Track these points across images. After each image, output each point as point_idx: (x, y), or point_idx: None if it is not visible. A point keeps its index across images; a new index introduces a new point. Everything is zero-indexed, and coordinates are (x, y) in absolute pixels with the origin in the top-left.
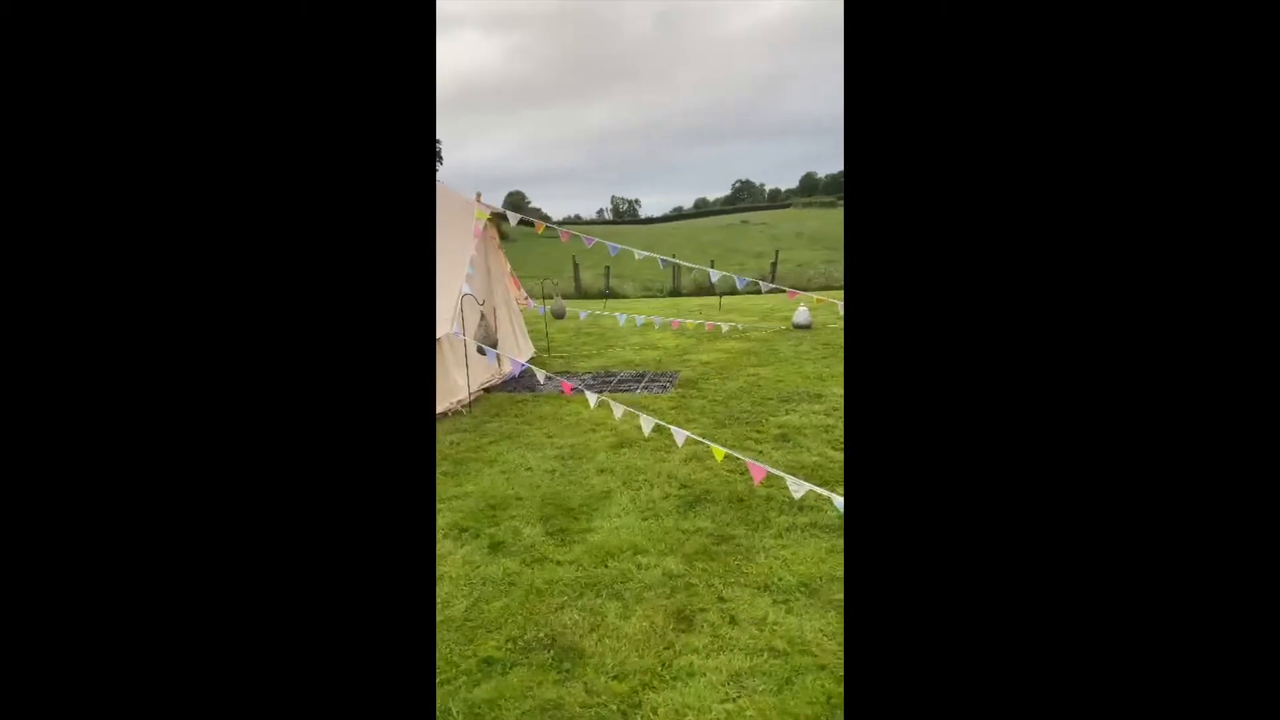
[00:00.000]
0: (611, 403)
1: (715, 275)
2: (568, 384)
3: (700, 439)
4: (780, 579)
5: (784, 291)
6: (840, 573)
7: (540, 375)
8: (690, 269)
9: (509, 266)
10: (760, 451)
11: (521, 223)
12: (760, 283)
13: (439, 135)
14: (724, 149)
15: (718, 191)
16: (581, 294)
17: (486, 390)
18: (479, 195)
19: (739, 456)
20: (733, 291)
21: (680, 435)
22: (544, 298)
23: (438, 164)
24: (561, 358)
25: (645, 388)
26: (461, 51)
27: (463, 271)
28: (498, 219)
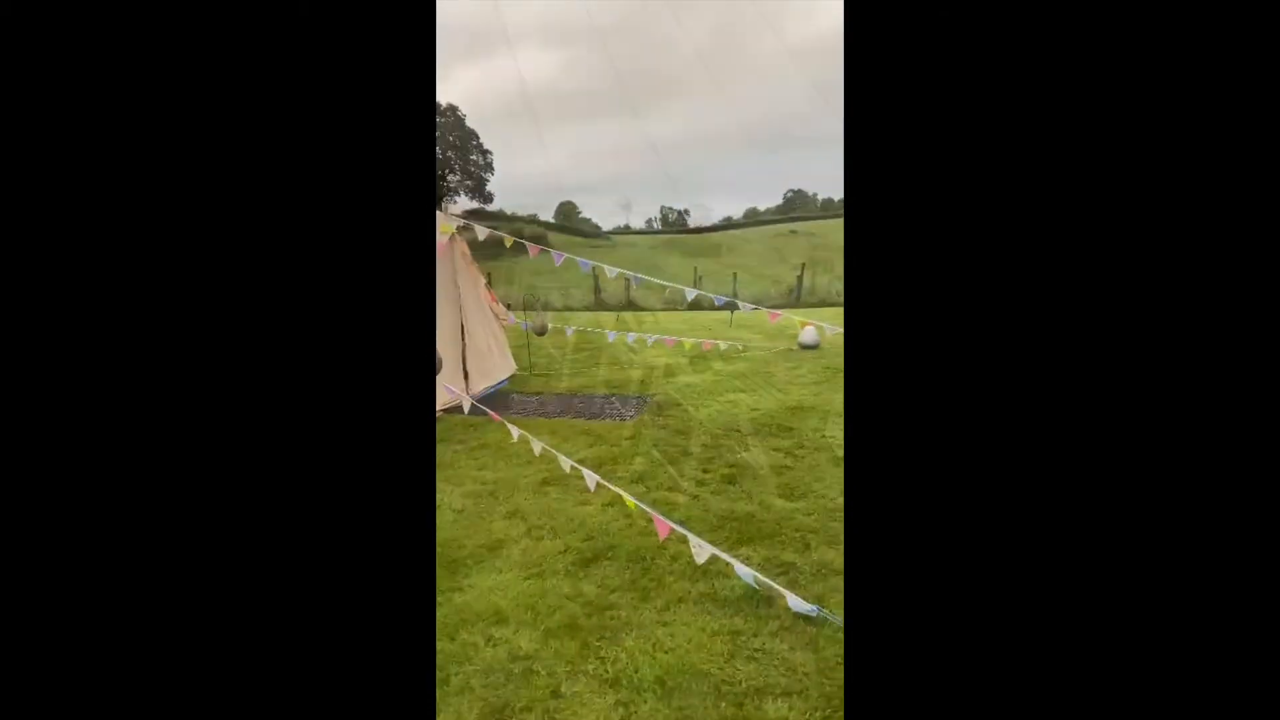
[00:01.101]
0: (532, 440)
1: (691, 293)
2: (495, 414)
3: (608, 485)
4: (637, 669)
5: (771, 310)
6: (709, 668)
7: (465, 404)
8: (664, 286)
9: (485, 280)
10: (697, 496)
11: (489, 237)
12: (740, 303)
13: (489, 146)
14: (777, 158)
15: (769, 201)
16: (601, 305)
17: (447, 411)
18: (444, 208)
19: (647, 510)
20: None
21: (591, 479)
22: (525, 311)
23: (489, 175)
24: (542, 376)
25: (610, 414)
26: (517, 64)
27: None
28: (465, 232)
